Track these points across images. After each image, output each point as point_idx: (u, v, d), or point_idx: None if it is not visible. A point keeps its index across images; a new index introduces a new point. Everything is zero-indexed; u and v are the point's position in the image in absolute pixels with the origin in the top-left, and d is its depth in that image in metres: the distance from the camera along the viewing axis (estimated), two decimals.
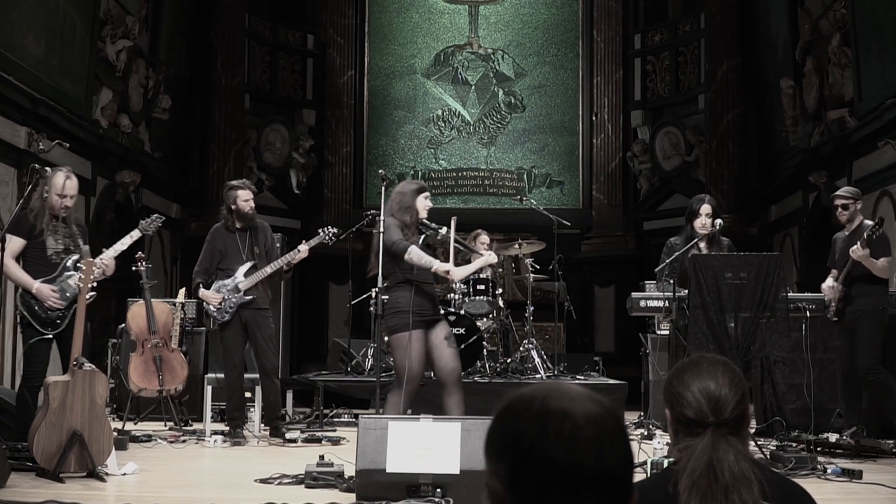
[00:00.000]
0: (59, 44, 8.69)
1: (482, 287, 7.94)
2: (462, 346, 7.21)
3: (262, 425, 6.43)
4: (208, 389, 6.52)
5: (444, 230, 5.20)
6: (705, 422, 1.69)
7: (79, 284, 4.88)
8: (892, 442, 5.38)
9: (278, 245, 6.82)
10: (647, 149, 13.46)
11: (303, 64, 13.82)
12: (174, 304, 7.14)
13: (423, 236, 5.20)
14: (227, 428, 6.22)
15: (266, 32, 13.36)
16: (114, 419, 6.45)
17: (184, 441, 6.12)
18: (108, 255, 5.34)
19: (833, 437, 5.51)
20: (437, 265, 5.06)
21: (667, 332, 6.57)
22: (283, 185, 13.30)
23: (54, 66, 8.60)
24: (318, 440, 6.13)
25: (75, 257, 5.19)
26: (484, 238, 8.16)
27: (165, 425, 6.84)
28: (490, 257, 5.45)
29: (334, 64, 13.83)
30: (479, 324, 7.82)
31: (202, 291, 6.19)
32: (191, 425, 6.89)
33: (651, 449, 4.87)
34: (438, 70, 14.13)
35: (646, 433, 6.32)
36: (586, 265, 13.23)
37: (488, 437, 1.17)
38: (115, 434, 5.08)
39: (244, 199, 6.28)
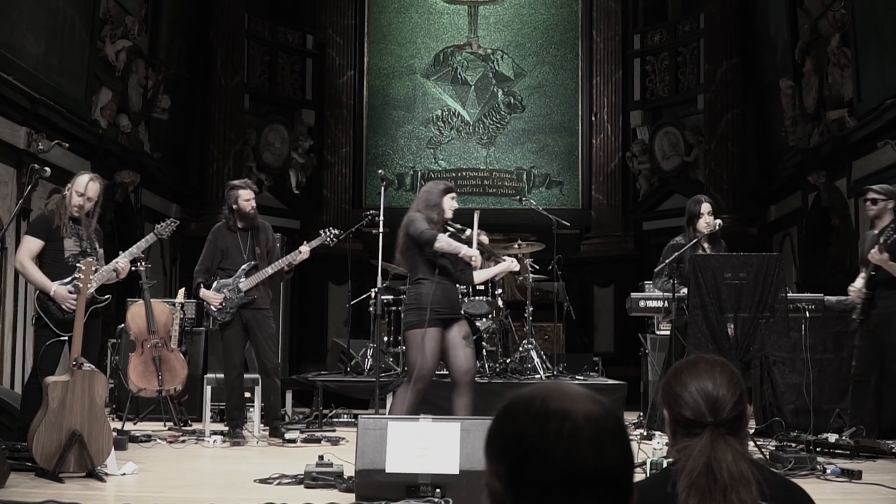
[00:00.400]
0: (59, 44, 8.68)
1: (481, 287, 7.93)
2: None
3: (262, 425, 6.44)
4: (208, 389, 6.53)
5: (468, 232, 5.27)
6: (703, 422, 1.70)
7: (77, 285, 4.88)
8: (891, 442, 5.38)
9: (279, 245, 6.82)
10: (647, 149, 13.46)
11: (302, 64, 13.82)
12: (174, 304, 7.14)
13: (447, 234, 5.23)
14: (227, 428, 6.22)
15: (265, 32, 13.36)
16: (113, 419, 6.45)
17: (183, 441, 6.11)
18: (124, 259, 5.38)
19: (832, 438, 5.50)
20: (466, 250, 5.12)
21: (666, 333, 6.57)
22: (282, 186, 13.30)
23: (54, 66, 8.59)
24: (318, 440, 6.13)
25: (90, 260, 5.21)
26: (483, 238, 8.15)
27: (165, 425, 6.84)
28: (511, 264, 5.46)
29: (334, 64, 13.83)
30: (478, 324, 7.82)
31: (203, 291, 6.19)
32: (190, 425, 6.89)
33: (651, 449, 4.87)
34: (438, 70, 14.13)
35: (645, 433, 6.33)
36: (586, 265, 13.22)
37: (488, 438, 1.17)
38: (115, 434, 5.08)
39: (245, 198, 6.27)
